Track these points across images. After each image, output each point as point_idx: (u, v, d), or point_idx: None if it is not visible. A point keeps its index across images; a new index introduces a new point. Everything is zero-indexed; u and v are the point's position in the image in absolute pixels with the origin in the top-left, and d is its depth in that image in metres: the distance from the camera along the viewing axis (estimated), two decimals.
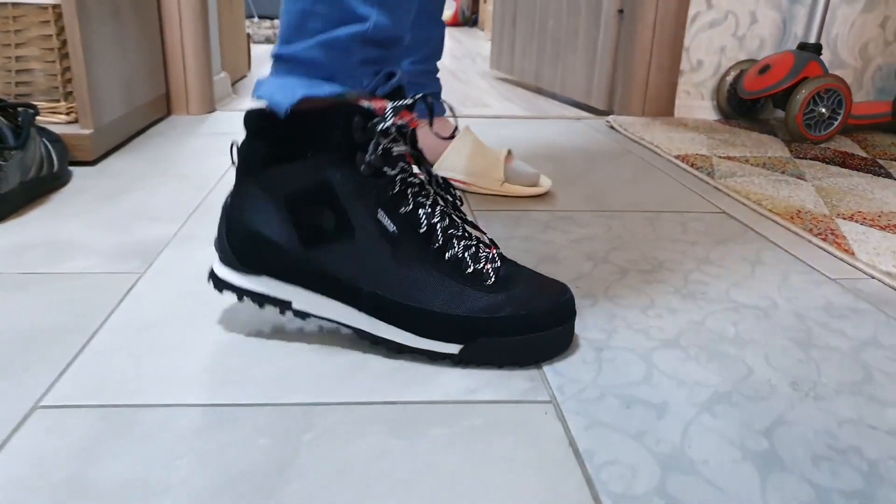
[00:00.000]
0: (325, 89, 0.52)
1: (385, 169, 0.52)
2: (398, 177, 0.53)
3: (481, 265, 0.54)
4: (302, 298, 0.54)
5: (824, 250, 0.81)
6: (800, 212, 0.92)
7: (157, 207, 0.86)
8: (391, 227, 0.52)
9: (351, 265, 0.52)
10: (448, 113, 0.59)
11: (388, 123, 0.51)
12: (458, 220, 0.56)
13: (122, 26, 1.15)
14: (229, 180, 0.98)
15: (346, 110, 0.51)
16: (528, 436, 0.46)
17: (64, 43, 1.02)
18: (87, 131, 1.02)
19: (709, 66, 1.56)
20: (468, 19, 4.55)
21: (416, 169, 0.56)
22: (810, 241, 0.83)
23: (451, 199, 0.57)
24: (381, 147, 0.51)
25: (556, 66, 1.79)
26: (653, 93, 1.55)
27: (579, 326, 0.60)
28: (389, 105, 0.52)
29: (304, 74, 0.53)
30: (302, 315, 0.55)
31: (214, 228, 0.80)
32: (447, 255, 0.54)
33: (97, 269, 0.68)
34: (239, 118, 1.42)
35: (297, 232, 0.52)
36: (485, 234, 0.60)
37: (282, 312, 0.55)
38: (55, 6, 1.00)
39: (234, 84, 1.89)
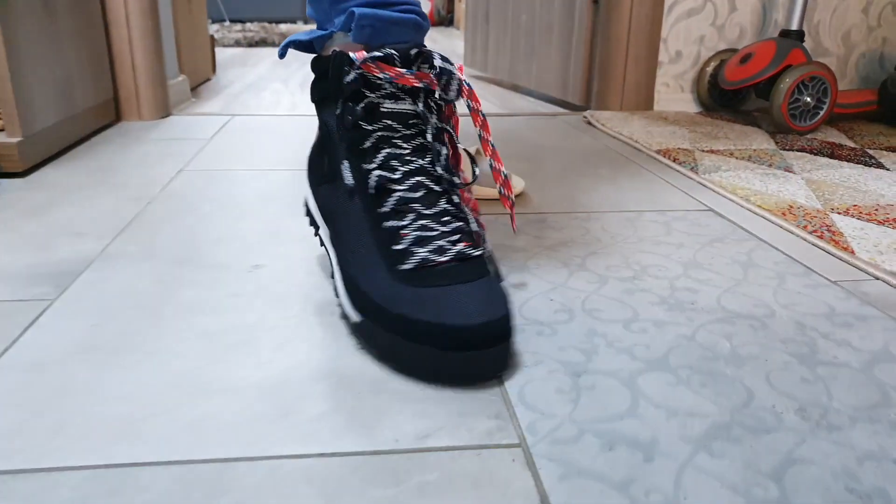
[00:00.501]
0: (306, 35, 0.56)
1: (361, 123, 0.51)
2: (375, 133, 0.51)
3: (416, 248, 0.48)
4: (322, 229, 0.58)
5: (821, 249, 0.74)
6: (791, 207, 0.85)
7: (86, 222, 0.77)
8: (349, 179, 0.52)
9: (329, 206, 0.55)
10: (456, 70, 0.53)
11: (350, 77, 0.50)
12: (444, 206, 0.50)
13: (55, 24, 1.06)
14: (171, 190, 0.90)
15: (337, 58, 0.51)
16: (491, 492, 0.38)
17: None
18: (13, 140, 0.92)
19: (688, 56, 1.49)
20: (444, 18, 4.47)
21: (427, 134, 0.52)
22: (805, 239, 0.76)
23: (446, 183, 0.51)
24: (360, 102, 0.51)
25: (530, 61, 1.72)
26: (630, 86, 1.48)
27: (553, 347, 0.53)
28: (365, 56, 0.50)
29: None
30: (321, 242, 0.60)
31: (147, 244, 0.71)
32: (385, 224, 0.49)
33: (1, 296, 0.59)
34: (195, 122, 1.34)
35: (315, 168, 0.58)
36: (481, 238, 0.53)
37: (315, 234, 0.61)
38: None
39: (195, 88, 1.80)
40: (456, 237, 0.49)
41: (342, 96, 0.52)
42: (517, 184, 0.90)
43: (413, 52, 0.51)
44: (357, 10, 0.54)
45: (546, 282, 0.65)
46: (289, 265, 0.67)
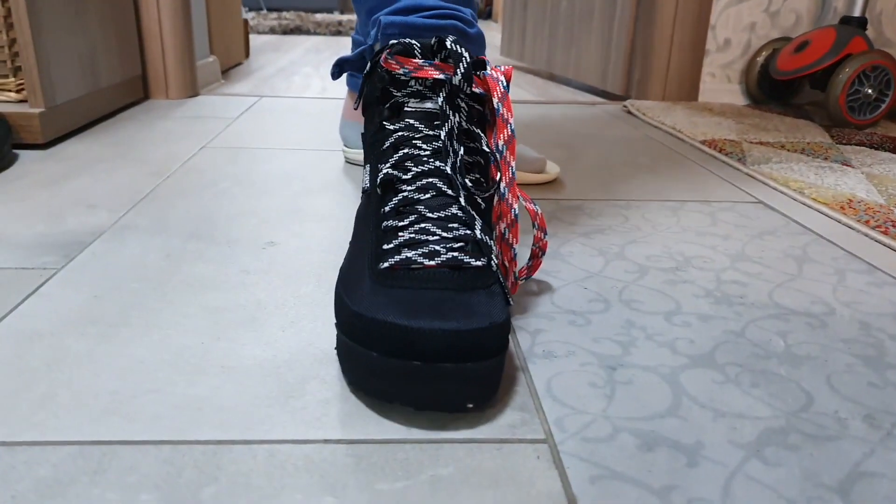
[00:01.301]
0: (354, 55, 0.55)
1: (385, 123, 0.47)
2: (396, 133, 0.46)
3: (405, 249, 0.41)
4: None
5: (885, 245, 0.67)
6: (851, 201, 0.78)
7: (101, 194, 0.75)
8: (366, 182, 0.48)
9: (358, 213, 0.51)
10: (490, 69, 0.47)
11: (367, 69, 0.48)
12: (454, 212, 0.43)
13: (81, 1, 1.04)
14: (191, 166, 0.87)
15: (372, 64, 0.49)
16: (513, 491, 0.33)
17: (9, 11, 0.91)
18: (36, 111, 0.90)
19: (737, 45, 1.42)
20: (482, 11, 4.42)
21: (442, 131, 0.46)
22: (867, 235, 0.70)
23: (470, 185, 0.45)
24: (387, 101, 0.47)
25: (569, 49, 1.66)
26: (674, 75, 1.41)
27: (586, 338, 0.48)
28: (380, 50, 0.47)
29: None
30: None
31: (160, 218, 0.68)
32: (385, 223, 0.43)
33: (5, 264, 0.56)
34: (222, 102, 1.31)
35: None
36: (508, 245, 0.48)
37: None
38: None
39: (227, 70, 1.78)
40: (457, 245, 0.42)
41: (371, 99, 0.49)
42: (552, 169, 0.85)
43: (434, 40, 0.46)
44: (383, 18, 0.50)
45: (580, 270, 0.60)
46: (304, 244, 0.63)
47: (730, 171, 0.94)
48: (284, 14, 3.93)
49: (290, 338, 0.47)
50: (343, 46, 2.53)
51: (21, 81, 0.94)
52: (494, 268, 0.42)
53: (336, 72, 0.54)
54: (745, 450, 0.37)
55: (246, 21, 2.03)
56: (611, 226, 0.71)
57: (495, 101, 0.46)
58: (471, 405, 0.38)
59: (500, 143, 0.46)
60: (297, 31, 3.00)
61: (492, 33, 3.31)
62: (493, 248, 0.43)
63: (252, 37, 2.81)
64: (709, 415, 0.40)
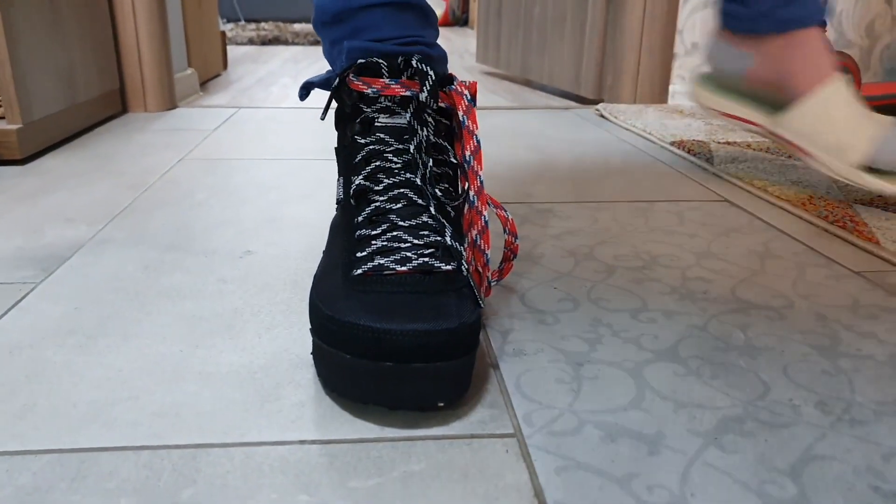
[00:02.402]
0: (321, 76, 0.56)
1: (356, 137, 0.48)
2: (367, 147, 0.48)
3: (377, 256, 0.43)
4: None
5: (844, 240, 0.70)
6: (812, 198, 0.81)
7: (79, 208, 0.75)
8: (339, 194, 0.50)
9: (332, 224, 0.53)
10: (456, 84, 0.49)
11: (335, 84, 0.49)
12: (424, 220, 0.45)
13: (58, 14, 1.04)
14: (169, 178, 0.88)
15: (338, 84, 0.50)
16: (482, 484, 0.35)
17: None
18: (13, 127, 0.91)
19: (704, 48, 1.45)
20: (458, 19, 4.45)
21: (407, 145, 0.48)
22: (826, 230, 0.72)
23: (440, 194, 0.47)
24: (357, 116, 0.49)
25: (542, 55, 1.69)
26: (645, 79, 1.44)
27: (555, 336, 0.49)
28: (345, 71, 0.49)
29: None
30: None
31: (138, 231, 0.69)
32: (358, 232, 0.45)
33: None
34: (200, 114, 1.32)
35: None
36: (481, 251, 0.49)
37: None
38: None
39: (205, 82, 1.79)
40: (428, 251, 0.43)
41: (343, 116, 0.51)
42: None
43: (400, 60, 0.47)
44: (347, 44, 0.52)
45: (550, 270, 0.61)
46: (281, 252, 0.64)
47: (698, 171, 0.96)
48: (263, 24, 3.93)
49: (266, 344, 0.48)
50: (321, 56, 2.54)
51: None
52: (464, 272, 0.44)
53: (303, 94, 0.56)
54: (703, 438, 0.39)
55: (223, 33, 2.03)
56: (581, 227, 0.73)
57: (461, 114, 0.48)
58: (442, 403, 0.39)
59: (468, 153, 0.48)
60: (275, 41, 3.01)
61: (467, 40, 3.34)
62: (463, 253, 0.45)
63: (230, 48, 2.81)
64: (670, 406, 0.42)
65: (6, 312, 0.52)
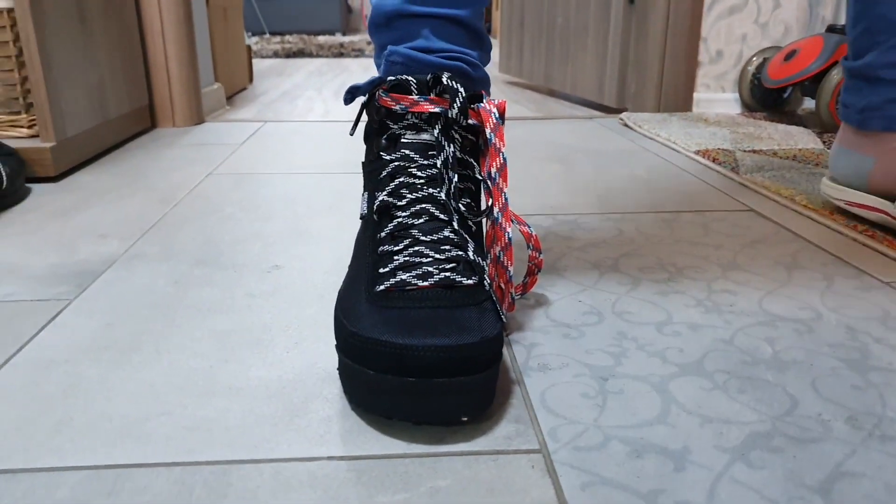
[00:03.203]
0: (366, 83, 0.54)
1: (382, 154, 0.49)
2: (392, 163, 0.48)
3: (399, 272, 0.43)
4: None
5: (873, 249, 0.69)
6: (840, 207, 0.80)
7: (111, 224, 0.77)
8: (364, 209, 0.50)
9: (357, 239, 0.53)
10: (486, 103, 0.50)
11: (365, 98, 0.51)
12: (446, 234, 0.46)
13: (90, 34, 1.07)
14: (198, 193, 0.89)
15: (367, 100, 0.51)
16: (508, 500, 0.35)
17: (22, 50, 0.94)
18: (47, 145, 0.94)
19: (729, 56, 1.44)
20: None
21: (434, 160, 0.48)
22: (856, 240, 0.71)
23: (463, 209, 0.47)
24: (384, 133, 0.50)
25: (565, 65, 1.69)
26: (669, 87, 1.43)
27: (580, 350, 0.50)
28: (376, 88, 0.50)
29: None
30: None
31: (169, 246, 0.71)
32: (381, 248, 0.46)
33: (22, 296, 0.59)
34: (227, 128, 1.34)
35: None
36: (504, 268, 0.50)
37: None
38: (9, 10, 0.92)
39: (231, 96, 1.82)
40: (450, 265, 0.44)
41: (371, 131, 0.52)
42: None
43: (429, 77, 0.48)
44: (390, 47, 0.53)
45: (575, 283, 0.62)
46: (308, 266, 0.65)
47: (723, 181, 0.95)
48: (287, 37, 3.99)
49: (294, 358, 0.49)
50: (345, 68, 2.57)
51: (33, 117, 0.97)
52: (486, 286, 0.44)
53: (348, 98, 0.56)
54: (730, 454, 0.38)
55: (249, 47, 2.07)
56: (605, 239, 0.73)
57: (488, 131, 0.48)
58: (466, 418, 0.40)
59: (493, 170, 0.49)
60: (300, 54, 3.05)
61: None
62: (485, 267, 0.45)
63: (256, 61, 2.86)
64: (696, 421, 0.41)
65: (43, 328, 0.53)
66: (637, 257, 0.68)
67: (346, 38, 3.99)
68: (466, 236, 0.46)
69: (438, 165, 0.48)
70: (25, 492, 0.36)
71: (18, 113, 0.97)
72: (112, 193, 0.89)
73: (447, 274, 0.43)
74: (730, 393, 0.44)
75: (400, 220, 0.46)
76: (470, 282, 0.43)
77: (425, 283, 0.42)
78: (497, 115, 0.49)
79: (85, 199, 0.87)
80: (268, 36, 4.19)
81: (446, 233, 0.46)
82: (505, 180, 0.49)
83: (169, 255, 0.68)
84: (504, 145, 0.49)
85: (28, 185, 0.93)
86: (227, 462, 0.38)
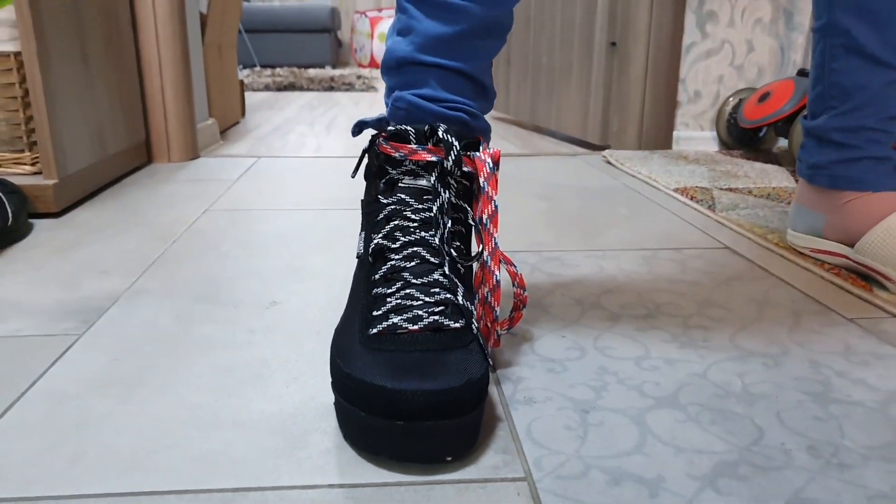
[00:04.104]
0: (373, 119, 0.59)
1: (379, 196, 0.53)
2: (389, 206, 0.52)
3: (392, 315, 0.47)
4: None
5: (839, 287, 0.73)
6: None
7: (112, 260, 0.80)
8: (360, 248, 0.54)
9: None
10: (481, 152, 0.53)
11: (367, 147, 0.55)
12: (436, 278, 0.49)
13: (91, 74, 1.11)
14: (196, 229, 0.93)
15: (369, 145, 0.56)
16: None
17: (27, 91, 0.98)
18: (49, 182, 0.96)
19: (707, 96, 1.50)
20: None
21: (430, 207, 0.52)
22: (822, 277, 0.76)
23: (455, 254, 0.51)
24: (383, 177, 0.53)
25: (550, 102, 1.74)
26: (649, 125, 1.49)
27: (563, 384, 0.53)
28: (376, 136, 0.54)
29: None
30: None
31: (170, 282, 0.74)
32: (374, 290, 0.49)
33: (31, 331, 0.61)
34: (221, 164, 1.38)
35: None
36: (491, 308, 0.53)
37: None
38: (17, 54, 0.96)
39: (224, 130, 1.85)
40: (439, 308, 0.47)
41: (370, 174, 0.55)
42: None
43: (426, 128, 0.52)
44: (397, 92, 0.56)
45: (559, 319, 0.65)
46: (305, 302, 0.68)
47: (701, 218, 1.00)
48: (278, 70, 4.06)
49: (293, 393, 0.51)
50: (336, 102, 2.62)
51: (36, 155, 1.00)
52: (474, 329, 0.47)
53: (356, 131, 0.59)
54: (700, 482, 0.42)
55: (242, 81, 2.11)
56: (588, 276, 0.76)
57: (481, 180, 0.52)
58: (450, 458, 0.43)
59: (485, 216, 0.52)
60: (290, 87, 3.11)
61: None
62: (472, 310, 0.49)
63: (248, 94, 2.91)
64: (670, 451, 0.45)
65: (54, 363, 0.56)
66: (618, 294, 0.71)
67: (337, 72, 4.06)
68: (456, 280, 0.49)
69: (434, 211, 0.51)
70: None
71: (22, 151, 1.00)
72: (112, 230, 0.92)
73: (436, 318, 0.46)
74: (702, 424, 0.48)
75: (393, 262, 0.50)
76: (457, 325, 0.47)
77: (415, 327, 0.46)
78: (491, 165, 0.52)
79: (86, 235, 0.90)
80: (259, 69, 4.26)
81: (436, 276, 0.49)
82: (495, 226, 0.53)
83: (170, 292, 0.71)
84: (497, 193, 0.53)
85: (31, 220, 0.95)
86: (234, 490, 0.41)
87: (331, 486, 0.41)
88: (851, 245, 0.75)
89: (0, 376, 0.54)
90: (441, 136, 0.51)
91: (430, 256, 0.50)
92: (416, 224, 0.51)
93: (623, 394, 0.52)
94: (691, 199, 1.08)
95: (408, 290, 0.48)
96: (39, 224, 0.94)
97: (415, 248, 0.50)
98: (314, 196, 1.12)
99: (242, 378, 0.54)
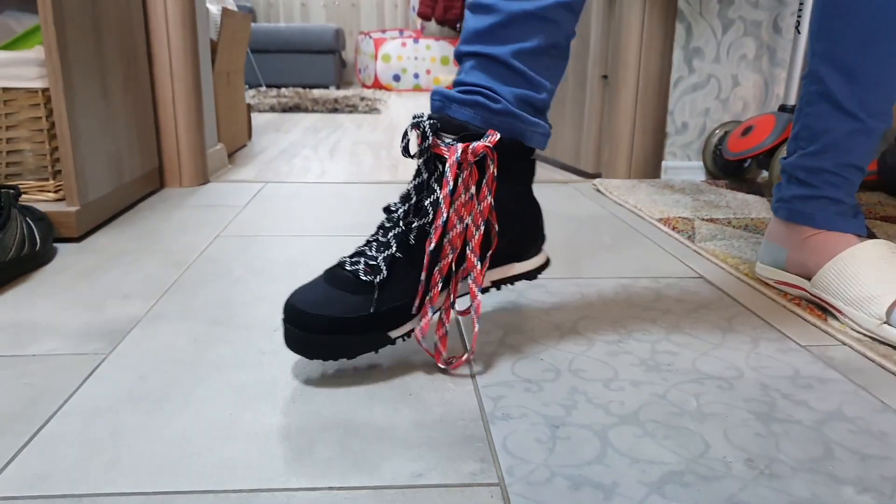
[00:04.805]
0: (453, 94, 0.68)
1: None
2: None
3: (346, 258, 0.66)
4: None
5: (798, 315, 0.80)
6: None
7: (132, 285, 0.87)
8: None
9: None
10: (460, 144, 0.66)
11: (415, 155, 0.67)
12: (384, 241, 0.65)
13: (110, 109, 1.19)
14: (208, 255, 1.00)
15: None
16: None
17: (53, 124, 1.05)
18: (72, 209, 1.04)
19: (693, 127, 1.58)
20: None
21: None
22: (784, 306, 0.83)
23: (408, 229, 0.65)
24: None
25: None
26: (638, 155, 1.57)
27: (538, 402, 0.60)
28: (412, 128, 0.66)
29: None
30: None
31: (186, 306, 0.81)
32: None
33: (63, 350, 0.68)
34: (230, 189, 1.45)
35: None
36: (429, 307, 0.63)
37: None
38: (44, 90, 1.04)
39: (232, 154, 1.93)
40: (364, 264, 0.64)
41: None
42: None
43: (423, 115, 0.64)
44: (435, 87, 0.69)
45: (539, 343, 0.72)
46: None
47: (680, 248, 1.07)
48: (283, 90, 4.16)
49: (300, 408, 0.58)
50: (339, 125, 2.71)
51: (60, 183, 1.08)
52: (374, 287, 0.62)
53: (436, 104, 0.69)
54: (649, 487, 0.48)
55: (248, 105, 2.20)
56: (568, 302, 0.83)
57: (446, 166, 0.62)
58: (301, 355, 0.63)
59: (472, 243, 0.64)
60: (295, 108, 3.20)
61: None
62: (383, 272, 0.62)
63: (254, 115, 3.00)
64: (626, 461, 0.51)
65: (86, 380, 0.63)
66: (594, 320, 0.78)
67: (340, 93, 4.16)
68: (393, 245, 0.63)
69: (408, 187, 0.65)
70: None
71: (46, 179, 1.08)
72: (130, 255, 1.00)
73: (345, 261, 0.64)
74: (657, 439, 0.54)
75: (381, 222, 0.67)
76: (348, 269, 0.64)
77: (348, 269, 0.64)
78: (458, 154, 0.61)
79: (106, 260, 0.97)
80: (264, 89, 4.36)
81: (381, 239, 0.64)
82: (478, 248, 0.63)
83: (187, 316, 0.78)
84: (474, 183, 0.63)
85: (55, 244, 1.03)
86: (249, 490, 0.47)
87: (331, 488, 0.48)
88: (809, 278, 0.82)
89: (41, 391, 0.61)
90: (414, 122, 0.63)
91: (390, 225, 0.65)
92: (399, 199, 0.66)
93: (590, 411, 0.58)
94: (673, 229, 1.15)
95: (363, 248, 0.65)
96: (63, 248, 1.02)
97: (385, 217, 0.67)
98: (319, 222, 1.19)
99: (255, 394, 0.60)
